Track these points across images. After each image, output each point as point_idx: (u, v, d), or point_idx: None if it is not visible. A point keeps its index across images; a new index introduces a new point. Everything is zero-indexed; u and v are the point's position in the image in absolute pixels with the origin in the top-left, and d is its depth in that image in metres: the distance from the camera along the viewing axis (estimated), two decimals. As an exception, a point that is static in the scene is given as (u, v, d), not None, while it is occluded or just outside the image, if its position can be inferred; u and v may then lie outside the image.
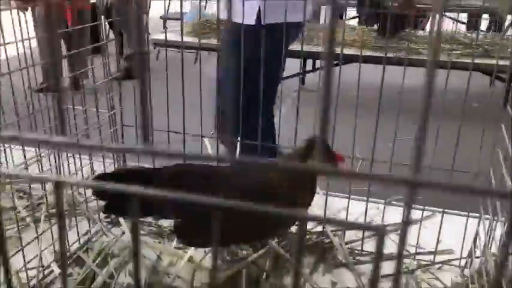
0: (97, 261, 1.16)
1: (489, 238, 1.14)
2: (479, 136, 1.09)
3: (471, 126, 1.12)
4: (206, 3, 5.45)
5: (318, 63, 4.67)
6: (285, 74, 3.28)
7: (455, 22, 4.64)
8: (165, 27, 5.42)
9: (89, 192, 1.37)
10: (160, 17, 5.81)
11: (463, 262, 1.16)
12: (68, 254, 1.18)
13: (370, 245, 1.22)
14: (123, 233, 1.27)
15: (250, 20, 1.66)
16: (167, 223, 1.33)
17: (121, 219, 1.30)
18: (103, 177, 1.06)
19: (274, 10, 1.53)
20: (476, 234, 1.14)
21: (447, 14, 4.68)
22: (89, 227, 1.27)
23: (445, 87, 1.13)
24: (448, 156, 1.14)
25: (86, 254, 1.19)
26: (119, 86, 1.29)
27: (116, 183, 0.32)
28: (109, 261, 1.16)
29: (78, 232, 1.22)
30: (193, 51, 5.01)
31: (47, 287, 1.08)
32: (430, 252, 1.17)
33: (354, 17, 5.48)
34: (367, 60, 3.14)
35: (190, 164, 1.05)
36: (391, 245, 1.19)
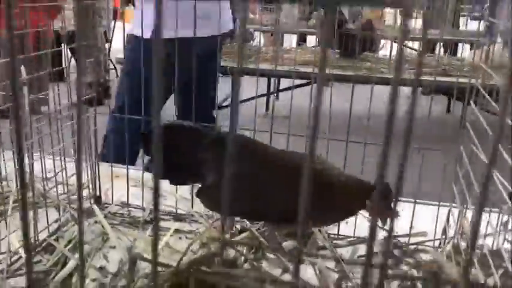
0: (68, 248, 1.12)
1: (459, 222, 1.18)
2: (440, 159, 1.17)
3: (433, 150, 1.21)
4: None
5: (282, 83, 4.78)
6: (247, 96, 3.32)
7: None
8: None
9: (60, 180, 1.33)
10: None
11: (436, 243, 1.18)
12: (36, 242, 1.14)
13: (343, 230, 1.24)
14: (96, 222, 1.23)
15: (147, 34, 1.54)
16: (140, 213, 1.31)
17: (95, 207, 1.26)
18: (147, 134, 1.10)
19: (165, 25, 1.43)
20: (448, 216, 1.17)
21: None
22: (59, 215, 1.22)
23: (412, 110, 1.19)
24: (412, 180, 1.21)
25: (56, 241, 1.14)
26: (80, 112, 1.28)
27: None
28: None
29: (47, 220, 1.18)
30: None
31: (15, 271, 1.03)
32: (405, 235, 1.20)
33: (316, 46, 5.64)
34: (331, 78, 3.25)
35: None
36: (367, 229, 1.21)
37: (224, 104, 4.06)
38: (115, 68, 6.10)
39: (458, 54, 5.04)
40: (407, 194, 1.37)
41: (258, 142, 1.12)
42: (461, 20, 6.58)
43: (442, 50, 5.53)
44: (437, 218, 1.21)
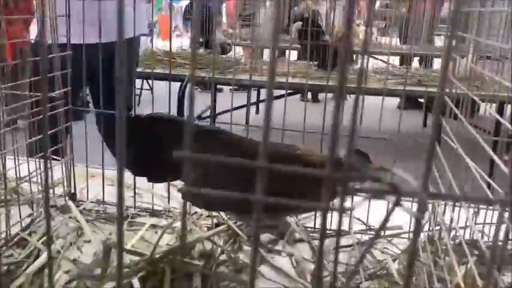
0: (41, 241, 1.10)
1: (434, 215, 1.20)
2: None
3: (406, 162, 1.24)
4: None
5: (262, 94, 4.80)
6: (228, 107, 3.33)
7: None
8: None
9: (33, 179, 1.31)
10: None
11: (411, 236, 1.20)
12: (8, 236, 1.11)
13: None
14: (70, 218, 1.21)
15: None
16: (115, 210, 1.29)
17: (70, 203, 1.24)
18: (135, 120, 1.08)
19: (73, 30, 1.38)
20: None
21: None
22: (32, 210, 1.20)
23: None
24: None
25: (29, 236, 1.12)
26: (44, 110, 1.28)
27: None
28: (54, 241, 1.10)
29: (20, 215, 1.16)
30: (137, 94, 5.02)
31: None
32: (379, 228, 1.21)
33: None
34: (310, 89, 3.29)
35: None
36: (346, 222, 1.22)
37: (204, 115, 4.07)
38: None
39: (434, 67, 5.16)
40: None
41: (235, 135, 1.12)
42: (437, 38, 6.76)
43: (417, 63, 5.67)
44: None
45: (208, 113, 4.07)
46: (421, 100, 5.37)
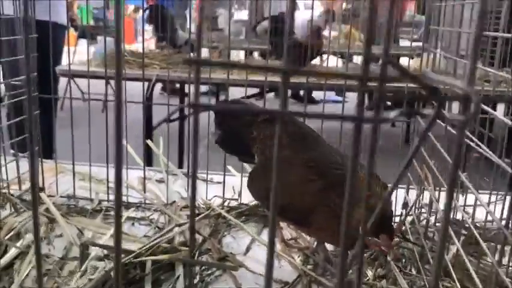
0: (9, 236, 1.02)
1: (418, 200, 1.19)
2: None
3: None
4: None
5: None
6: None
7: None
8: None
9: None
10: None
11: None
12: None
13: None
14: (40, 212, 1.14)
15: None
16: (89, 206, 1.23)
17: (42, 194, 1.17)
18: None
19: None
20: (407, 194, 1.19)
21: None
22: (-1, 206, 1.13)
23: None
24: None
25: (-5, 232, 1.05)
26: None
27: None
28: (23, 236, 1.03)
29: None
30: (100, 99, 4.89)
31: None
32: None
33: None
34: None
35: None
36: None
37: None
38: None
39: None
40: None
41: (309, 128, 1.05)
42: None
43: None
44: (396, 198, 1.21)
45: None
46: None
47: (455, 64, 1.07)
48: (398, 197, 1.20)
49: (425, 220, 1.12)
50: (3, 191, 1.18)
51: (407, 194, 1.22)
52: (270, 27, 4.01)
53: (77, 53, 4.68)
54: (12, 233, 1.03)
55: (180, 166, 3.14)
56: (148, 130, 1.93)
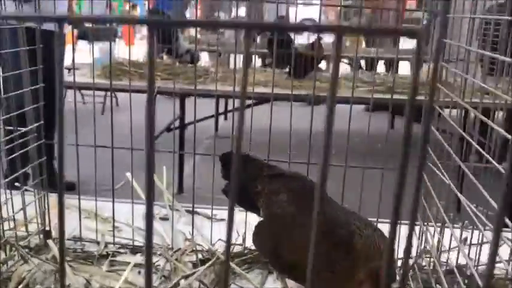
0: (18, 289, 1.03)
1: (421, 240, 1.20)
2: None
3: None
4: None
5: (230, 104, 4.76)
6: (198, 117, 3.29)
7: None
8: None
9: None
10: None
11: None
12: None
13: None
14: (47, 259, 1.15)
15: None
16: (95, 247, 1.24)
17: (50, 242, 1.18)
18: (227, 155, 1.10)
19: None
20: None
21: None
22: (5, 255, 1.14)
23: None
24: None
25: (4, 284, 1.06)
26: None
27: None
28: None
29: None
30: (101, 101, 4.88)
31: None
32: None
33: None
34: (277, 98, 3.23)
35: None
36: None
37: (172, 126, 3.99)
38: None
39: (400, 71, 5.22)
40: (368, 213, 1.38)
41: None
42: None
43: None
44: (399, 236, 1.22)
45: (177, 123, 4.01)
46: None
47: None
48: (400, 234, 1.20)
49: (427, 264, 1.13)
50: (11, 239, 1.18)
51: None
52: (270, 37, 4.01)
53: (77, 51, 4.69)
54: (21, 286, 1.04)
55: (180, 185, 3.12)
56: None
